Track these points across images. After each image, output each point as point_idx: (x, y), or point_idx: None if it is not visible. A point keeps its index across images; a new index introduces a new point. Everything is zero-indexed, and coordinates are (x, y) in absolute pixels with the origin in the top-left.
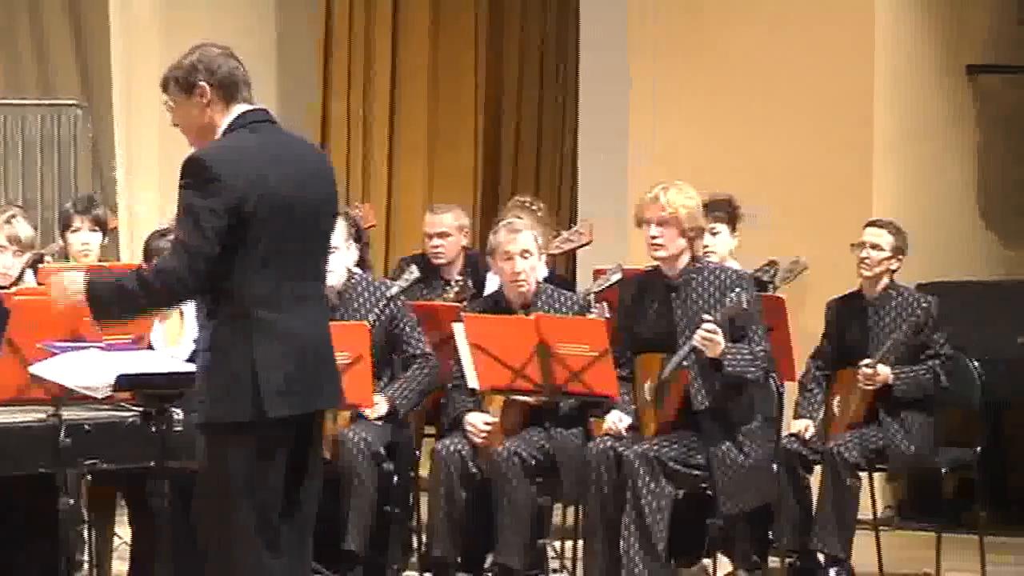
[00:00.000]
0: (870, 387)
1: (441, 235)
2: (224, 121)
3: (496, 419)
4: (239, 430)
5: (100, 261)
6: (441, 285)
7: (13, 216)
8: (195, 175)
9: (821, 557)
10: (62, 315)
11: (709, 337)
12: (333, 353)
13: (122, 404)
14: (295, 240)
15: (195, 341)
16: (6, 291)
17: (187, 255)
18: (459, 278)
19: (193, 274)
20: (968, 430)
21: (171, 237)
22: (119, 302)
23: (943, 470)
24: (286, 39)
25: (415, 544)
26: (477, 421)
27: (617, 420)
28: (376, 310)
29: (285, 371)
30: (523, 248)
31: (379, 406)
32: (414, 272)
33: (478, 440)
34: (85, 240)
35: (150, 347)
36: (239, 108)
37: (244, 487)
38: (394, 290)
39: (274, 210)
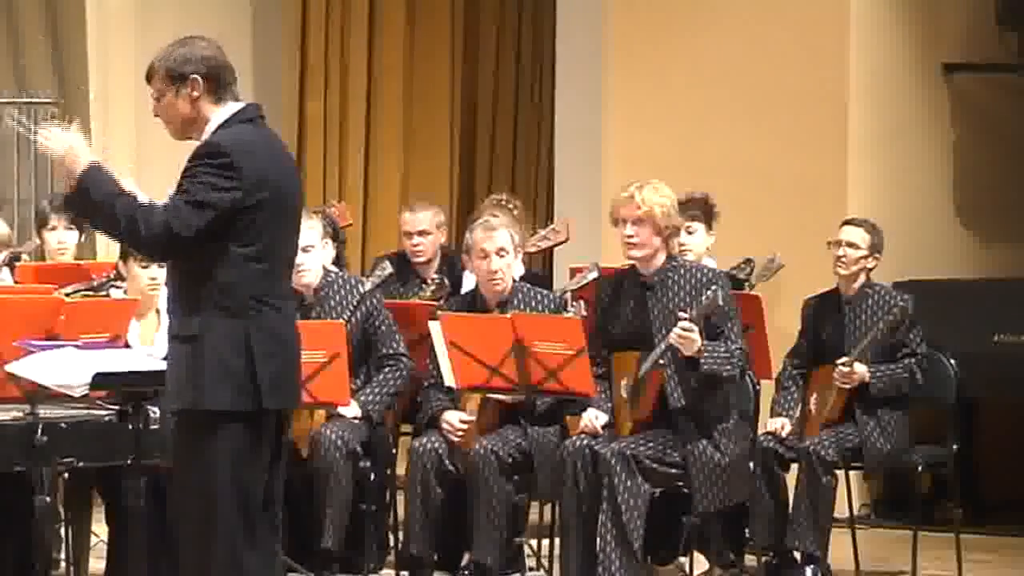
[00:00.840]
0: (846, 385)
1: (421, 233)
2: (218, 115)
3: (473, 417)
4: (230, 419)
5: (76, 260)
6: (418, 283)
7: None
8: (212, 157)
9: (797, 555)
10: (36, 311)
11: (685, 335)
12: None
13: (98, 402)
14: (286, 237)
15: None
16: None
17: (184, 222)
18: (436, 276)
19: (178, 239)
20: (943, 428)
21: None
22: (99, 211)
23: (918, 468)
24: (261, 38)
25: (392, 542)
26: (454, 419)
27: (593, 418)
28: (351, 307)
29: (277, 365)
30: (499, 246)
31: (352, 407)
32: (387, 268)
33: (455, 438)
34: (61, 238)
35: (126, 345)
36: (234, 103)
37: (230, 476)
38: (367, 286)
39: (277, 207)
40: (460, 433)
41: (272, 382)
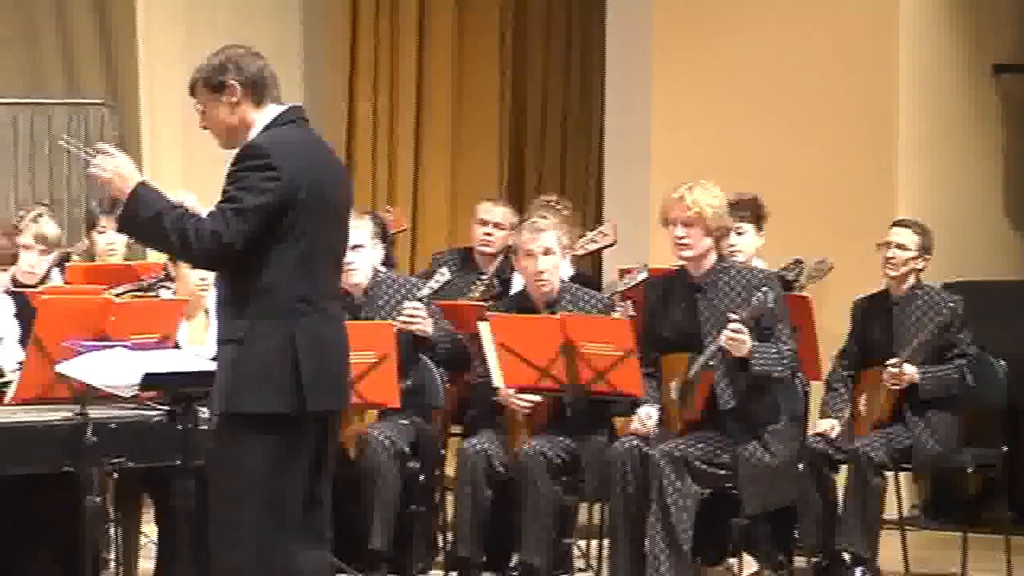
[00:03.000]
0: (896, 386)
1: (496, 225)
2: (260, 119)
3: (525, 424)
4: (271, 422)
5: (126, 260)
6: (475, 276)
7: (40, 215)
8: (253, 159)
9: (846, 557)
10: (87, 312)
11: (736, 337)
12: (348, 354)
13: (148, 403)
14: (330, 238)
15: (216, 332)
16: (32, 290)
17: (233, 229)
18: (485, 277)
19: (228, 247)
20: (992, 429)
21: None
22: (150, 228)
23: (967, 470)
24: (311, 39)
25: (440, 543)
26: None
27: (646, 416)
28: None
29: (320, 368)
30: (545, 247)
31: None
32: (445, 275)
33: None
34: (111, 240)
35: (176, 346)
36: (275, 106)
37: (266, 480)
38: (424, 291)
39: (318, 207)
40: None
41: (314, 385)
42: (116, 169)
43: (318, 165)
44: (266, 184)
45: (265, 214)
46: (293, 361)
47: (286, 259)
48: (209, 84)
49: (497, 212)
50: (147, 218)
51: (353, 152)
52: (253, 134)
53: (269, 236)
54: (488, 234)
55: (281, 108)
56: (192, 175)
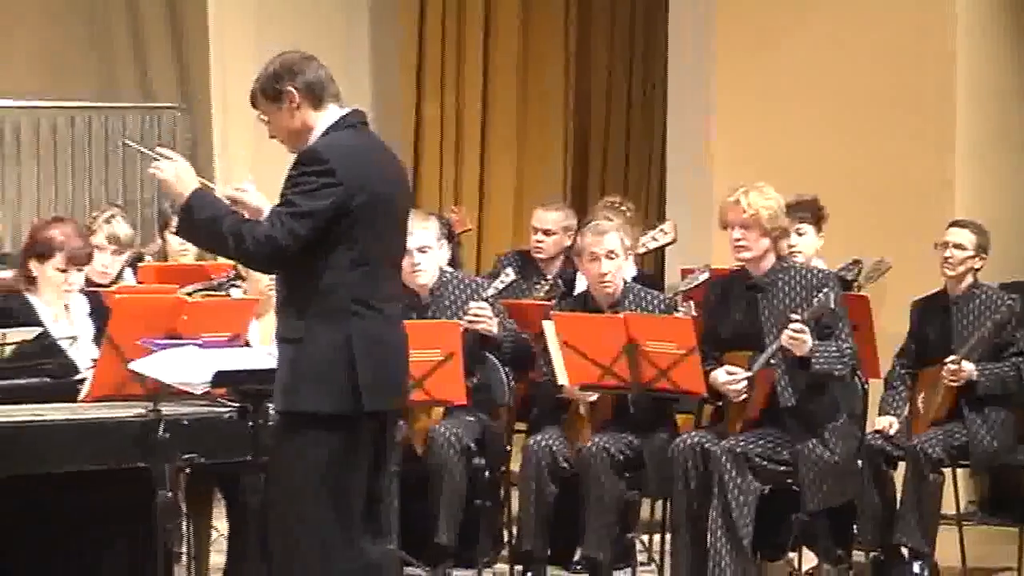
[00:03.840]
0: (955, 383)
1: (546, 232)
2: (321, 122)
3: (590, 420)
4: (328, 422)
5: (197, 260)
6: (537, 279)
7: (113, 216)
8: (311, 164)
9: (904, 551)
10: (159, 311)
11: (797, 336)
12: (408, 354)
13: (219, 400)
14: (389, 241)
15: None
16: (106, 289)
17: (288, 232)
18: (549, 277)
19: (283, 250)
20: None
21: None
22: (206, 230)
23: None
24: (379, 43)
25: (505, 538)
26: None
27: (726, 373)
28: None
29: (379, 368)
30: (608, 249)
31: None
32: (510, 275)
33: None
34: (183, 240)
35: (247, 344)
36: (336, 109)
37: (325, 478)
38: (490, 292)
39: (376, 211)
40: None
41: (371, 385)
42: (176, 172)
43: (377, 169)
44: (324, 189)
45: (321, 218)
46: (350, 362)
47: (343, 261)
48: (267, 94)
49: (548, 219)
50: (203, 220)
51: (420, 153)
52: (316, 135)
53: (327, 239)
54: (540, 241)
55: (342, 111)
56: (262, 176)
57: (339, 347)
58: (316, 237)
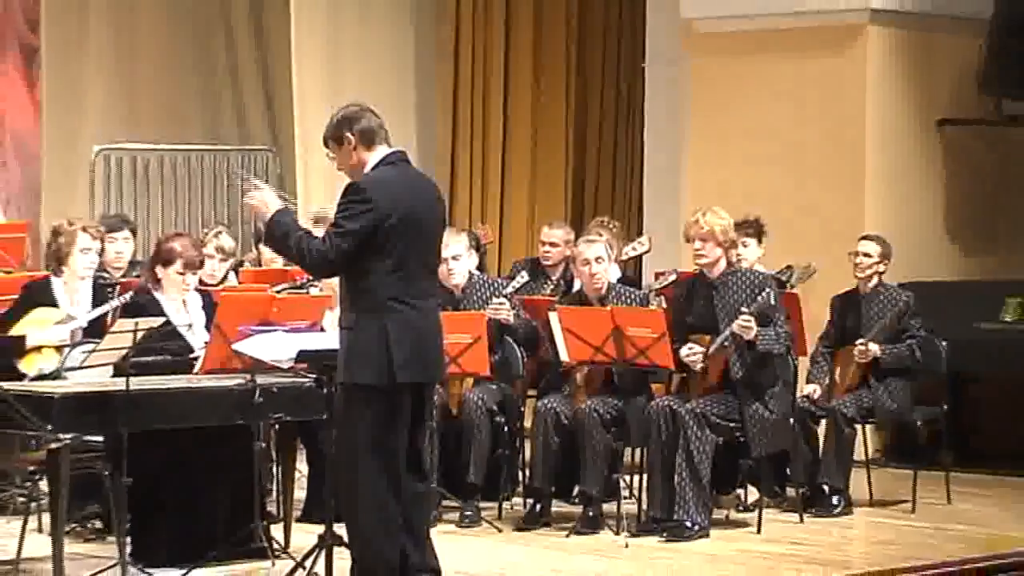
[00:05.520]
0: (863, 360)
1: (552, 244)
2: (371, 159)
3: (584, 388)
4: (373, 391)
5: (285, 266)
6: (544, 280)
7: (219, 232)
8: (354, 195)
9: (826, 488)
10: (252, 305)
11: (745, 325)
12: (442, 339)
13: (301, 372)
14: (420, 251)
15: (338, 320)
16: (215, 288)
17: (335, 248)
18: (554, 279)
19: (330, 261)
20: (937, 393)
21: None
22: (281, 243)
23: (918, 423)
24: (422, 99)
25: (520, 478)
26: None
27: (687, 349)
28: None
29: (409, 349)
30: (597, 256)
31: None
32: (524, 277)
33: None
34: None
35: (322, 330)
36: (383, 150)
37: (372, 436)
38: (508, 290)
39: (408, 227)
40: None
41: (403, 364)
42: (262, 199)
43: (408, 196)
44: (361, 214)
45: (359, 236)
46: (386, 346)
47: (381, 268)
48: (333, 138)
49: (553, 234)
50: (279, 236)
51: (455, 183)
52: (367, 169)
53: (367, 251)
54: (547, 251)
55: (387, 151)
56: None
57: (378, 335)
58: (358, 250)
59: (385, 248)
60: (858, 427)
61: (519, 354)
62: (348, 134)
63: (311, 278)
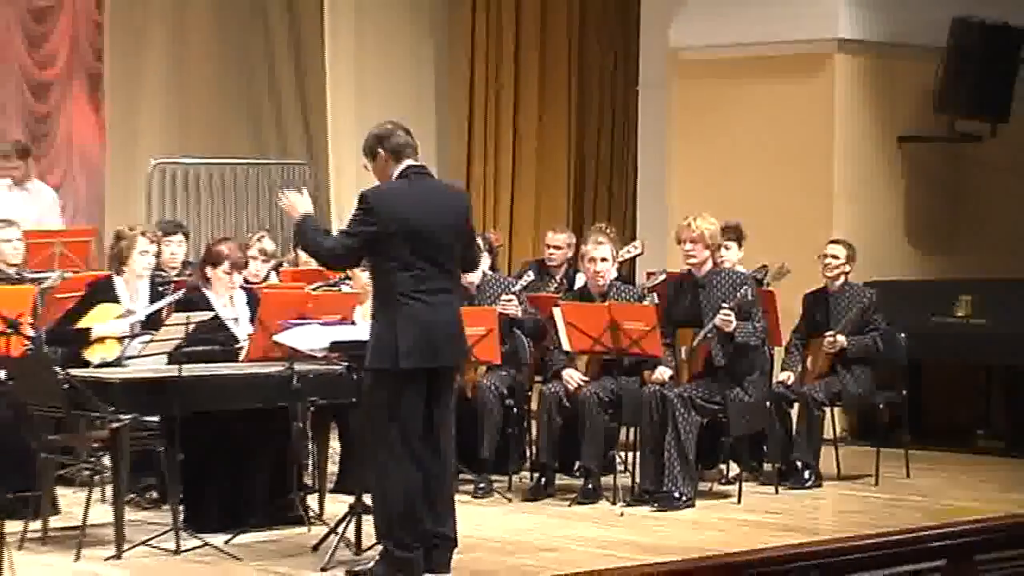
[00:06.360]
0: (831, 351)
1: (556, 247)
2: (396, 172)
3: (584, 375)
4: (384, 374)
5: (319, 267)
6: (548, 279)
7: (262, 236)
8: (361, 202)
9: (799, 464)
10: (291, 301)
11: (726, 319)
12: (458, 328)
13: (334, 360)
14: (426, 253)
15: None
16: (258, 286)
17: (341, 245)
18: (557, 278)
19: (338, 256)
20: (896, 379)
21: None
22: (304, 243)
23: (880, 406)
24: (442, 119)
25: (527, 454)
26: (573, 376)
27: (662, 372)
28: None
29: (413, 339)
30: (602, 256)
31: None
32: (531, 276)
33: (571, 387)
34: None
35: (352, 323)
36: (409, 161)
37: (388, 412)
38: (517, 288)
39: (410, 233)
40: (574, 384)
41: (407, 352)
42: (292, 204)
43: (414, 206)
44: (364, 219)
45: (364, 238)
46: (394, 336)
47: (392, 268)
48: (369, 152)
49: (557, 239)
50: (303, 235)
51: (470, 191)
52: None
53: (378, 253)
54: (551, 254)
55: (407, 165)
56: None
57: (388, 326)
58: (366, 250)
59: (391, 251)
60: (827, 410)
61: (526, 344)
62: (380, 149)
63: (342, 278)
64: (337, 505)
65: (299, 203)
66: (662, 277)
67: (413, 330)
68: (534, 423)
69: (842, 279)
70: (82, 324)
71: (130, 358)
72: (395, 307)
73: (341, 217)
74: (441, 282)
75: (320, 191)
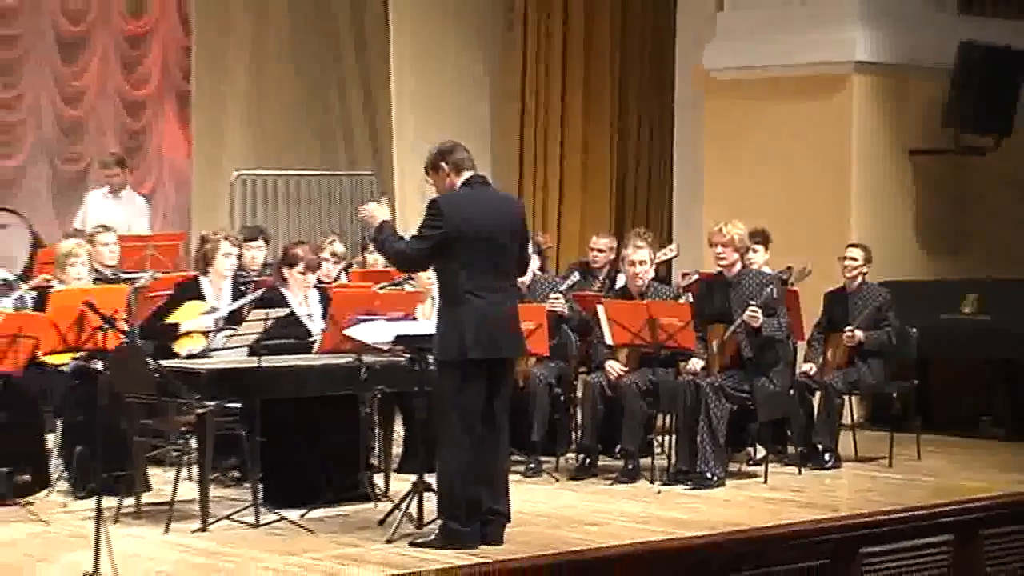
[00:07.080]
0: (850, 344)
1: (599, 250)
2: (459, 182)
3: (625, 366)
4: (453, 364)
5: (385, 268)
6: (592, 279)
7: (333, 240)
8: (431, 208)
9: (819, 447)
10: (359, 299)
11: (753, 315)
12: (515, 323)
13: (398, 352)
14: (487, 255)
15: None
16: (330, 285)
17: (414, 248)
18: (600, 278)
19: (410, 259)
20: (908, 371)
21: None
22: (381, 248)
23: (893, 395)
24: (495, 132)
25: (573, 437)
26: (614, 367)
27: (695, 363)
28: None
29: (477, 331)
30: (641, 259)
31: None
32: (576, 276)
33: (613, 376)
34: (377, 256)
35: (415, 318)
36: (468, 174)
37: (452, 399)
38: (564, 286)
39: (474, 237)
40: (616, 374)
41: (473, 343)
42: (372, 213)
43: (477, 212)
44: (434, 223)
45: (432, 241)
46: (460, 329)
47: (456, 268)
48: (433, 167)
49: (600, 242)
50: (379, 241)
51: (521, 198)
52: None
53: (445, 255)
54: (595, 256)
55: (469, 175)
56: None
57: (455, 320)
58: (436, 252)
59: (456, 253)
60: (845, 398)
61: (572, 339)
62: (443, 164)
63: (406, 278)
64: (401, 483)
65: (378, 212)
66: (695, 277)
67: (477, 324)
68: (579, 410)
69: (860, 279)
70: (171, 320)
71: (214, 350)
72: (461, 303)
73: (403, 222)
74: (501, 280)
75: (385, 199)
